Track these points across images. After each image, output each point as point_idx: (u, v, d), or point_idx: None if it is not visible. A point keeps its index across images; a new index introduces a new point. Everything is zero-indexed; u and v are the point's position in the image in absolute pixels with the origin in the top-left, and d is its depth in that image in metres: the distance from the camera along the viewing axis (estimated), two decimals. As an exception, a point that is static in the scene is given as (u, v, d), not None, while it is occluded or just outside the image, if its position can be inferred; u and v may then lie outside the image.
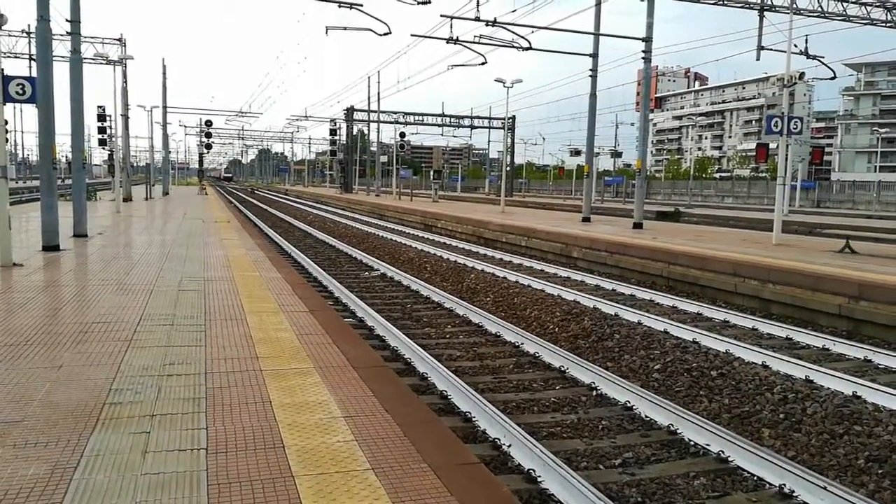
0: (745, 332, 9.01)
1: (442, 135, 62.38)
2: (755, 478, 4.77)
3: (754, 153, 26.53)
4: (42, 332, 5.79)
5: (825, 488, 4.37)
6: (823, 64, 21.56)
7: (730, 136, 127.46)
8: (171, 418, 3.83)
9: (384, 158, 57.59)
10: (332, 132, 58.54)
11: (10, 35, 27.20)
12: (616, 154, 67.25)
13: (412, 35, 23.61)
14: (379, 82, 50.87)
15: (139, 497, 2.91)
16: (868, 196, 52.87)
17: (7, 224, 9.54)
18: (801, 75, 16.60)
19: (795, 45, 18.94)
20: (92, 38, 27.23)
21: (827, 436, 5.60)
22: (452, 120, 59.16)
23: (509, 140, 54.45)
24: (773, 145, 23.11)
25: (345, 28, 21.23)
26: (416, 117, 57.49)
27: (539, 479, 4.49)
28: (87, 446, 3.41)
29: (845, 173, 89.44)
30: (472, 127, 60.49)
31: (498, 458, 4.94)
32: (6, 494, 2.89)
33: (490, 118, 60.64)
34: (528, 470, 4.61)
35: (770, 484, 4.65)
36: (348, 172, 61.01)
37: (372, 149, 63.29)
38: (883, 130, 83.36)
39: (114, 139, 28.87)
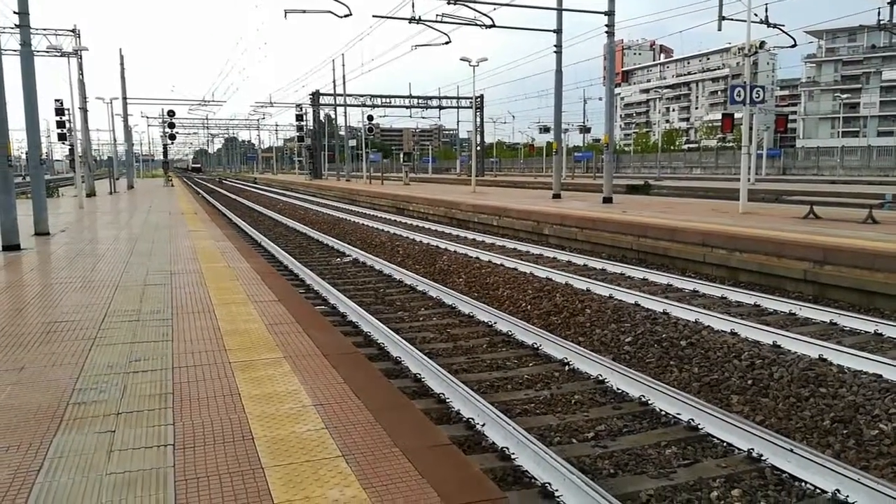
0: (714, 301, 9.15)
1: (410, 116, 62.35)
2: (724, 444, 4.86)
3: (720, 124, 26.81)
4: (3, 333, 5.65)
5: (792, 451, 4.47)
6: (784, 32, 21.73)
7: (696, 108, 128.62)
8: (136, 416, 3.77)
9: (353, 142, 57.05)
10: (299, 118, 57.69)
11: (-43, 30, 26.24)
12: (585, 129, 67.38)
13: (374, 16, 23.33)
14: (343, 65, 50.45)
15: (104, 497, 2.86)
16: (832, 162, 53.92)
17: (-37, 225, 9.27)
18: (762, 44, 16.74)
19: (755, 14, 19.05)
20: (44, 30, 26.42)
21: (793, 399, 5.73)
22: (420, 101, 58.71)
23: (478, 119, 54.27)
24: (738, 115, 23.36)
25: (304, 11, 20.87)
26: (384, 100, 56.92)
27: (513, 457, 4.52)
28: (50, 448, 3.34)
29: (809, 140, 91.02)
30: (441, 108, 60.15)
31: (472, 437, 4.96)
32: (-36, 503, 2.82)
33: (458, 98, 60.31)
34: (502, 448, 4.64)
35: (739, 449, 4.75)
36: (317, 158, 60.37)
37: (340, 133, 62.71)
38: (844, 96, 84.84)
39: (73, 133, 28.20)
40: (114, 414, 3.80)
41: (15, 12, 13.41)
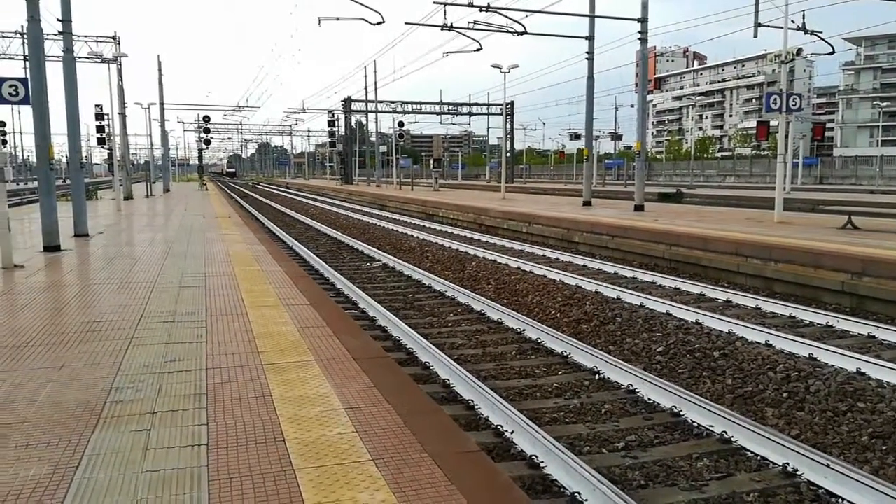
0: (749, 312, 8.99)
1: (441, 123, 62.30)
2: (759, 458, 4.77)
3: (755, 131, 26.40)
4: (44, 332, 5.80)
5: (829, 466, 4.37)
6: (822, 39, 21.37)
7: (730, 115, 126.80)
8: (171, 415, 3.84)
9: (384, 148, 57.42)
10: (331, 123, 58.36)
11: (2, 37, 27.12)
12: (616, 137, 66.95)
13: (406, 23, 23.48)
14: (375, 72, 50.98)
15: (140, 494, 2.92)
16: (870, 171, 52.67)
17: (7, 226, 9.54)
18: (799, 51, 16.50)
19: (793, 21, 18.79)
20: (86, 36, 27.16)
21: (830, 413, 5.60)
22: (451, 107, 58.86)
23: (508, 126, 54.26)
24: (773, 123, 22.98)
25: (337, 18, 21.11)
26: (415, 106, 57.25)
27: (542, 465, 4.50)
28: (88, 445, 3.42)
29: (847, 148, 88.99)
30: (471, 114, 60.22)
31: (501, 445, 4.94)
32: (8, 495, 2.89)
33: (488, 104, 60.38)
34: (531, 456, 4.62)
35: (773, 463, 4.65)
36: (348, 164, 60.89)
37: (371, 139, 63.19)
38: (884, 104, 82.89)
39: (112, 138, 28.87)
40: (149, 413, 3.87)
41: (58, 19, 13.79)
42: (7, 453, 3.33)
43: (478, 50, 23.67)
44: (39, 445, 3.42)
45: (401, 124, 50.45)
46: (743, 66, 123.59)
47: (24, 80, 9.48)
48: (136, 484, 3.02)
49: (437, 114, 58.63)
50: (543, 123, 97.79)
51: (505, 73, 29.55)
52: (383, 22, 20.19)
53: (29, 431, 3.60)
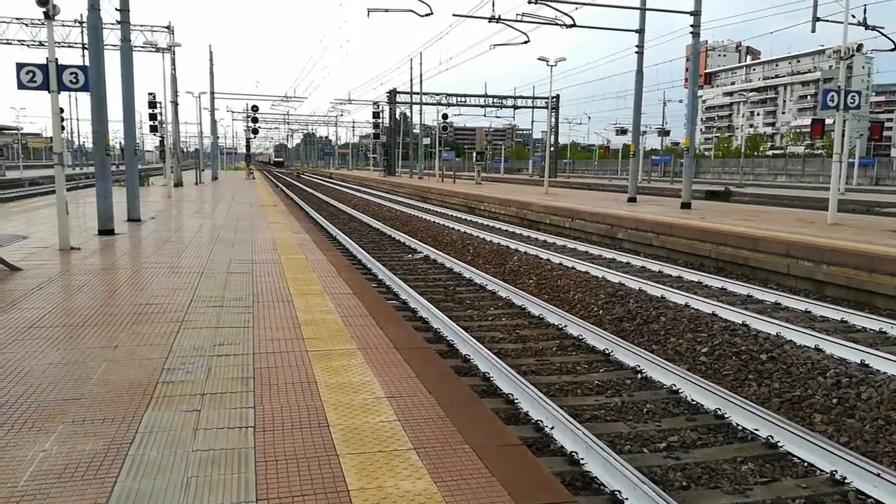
0: (798, 315, 8.76)
1: (485, 116, 62.00)
2: (805, 464, 4.67)
3: (809, 129, 25.60)
4: (99, 313, 6.01)
5: (879, 475, 4.25)
6: (883, 35, 20.56)
7: (783, 112, 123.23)
8: (220, 397, 3.94)
9: (427, 141, 57.51)
10: (375, 115, 58.69)
11: (63, 25, 27.97)
12: (663, 132, 65.67)
13: (454, 15, 23.43)
14: (421, 64, 51.07)
15: (190, 473, 3.01)
16: (931, 173, 50.59)
17: (65, 209, 9.89)
18: (859, 47, 15.89)
19: (853, 16, 18.12)
20: (141, 26, 27.86)
21: (882, 422, 5.43)
22: (495, 100, 58.55)
23: (553, 120, 53.76)
24: (829, 121, 22.25)
25: (386, 10, 21.20)
26: (459, 98, 57.07)
27: (582, 462, 4.48)
28: (141, 423, 3.54)
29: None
30: (515, 107, 59.80)
31: (540, 440, 4.94)
32: (66, 469, 3.02)
33: (533, 98, 59.85)
34: (571, 452, 4.60)
35: (821, 470, 4.54)
36: (391, 155, 61.18)
37: (415, 131, 63.37)
38: (948, 103, 79.43)
39: (164, 125, 29.59)
40: (199, 394, 3.98)
41: (116, 9, 14.19)
42: (65, 428, 3.47)
43: (525, 42, 23.49)
44: (95, 421, 3.56)
45: (444, 117, 50.38)
46: (798, 61, 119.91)
47: (83, 68, 9.78)
48: (186, 462, 3.11)
49: (482, 106, 58.40)
50: (589, 118, 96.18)
51: (552, 66, 29.25)
52: (431, 14, 20.22)
53: (85, 408, 3.75)
